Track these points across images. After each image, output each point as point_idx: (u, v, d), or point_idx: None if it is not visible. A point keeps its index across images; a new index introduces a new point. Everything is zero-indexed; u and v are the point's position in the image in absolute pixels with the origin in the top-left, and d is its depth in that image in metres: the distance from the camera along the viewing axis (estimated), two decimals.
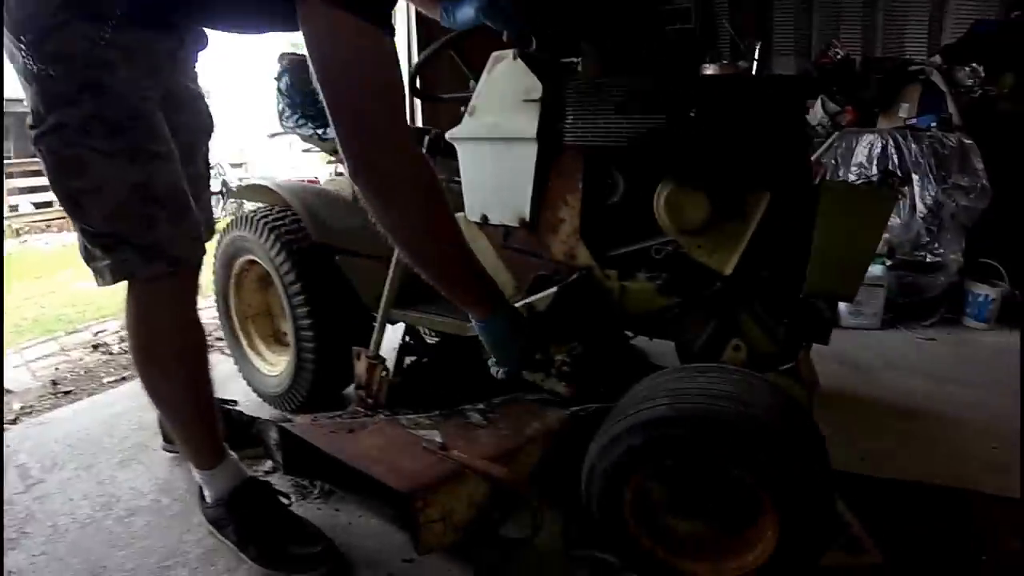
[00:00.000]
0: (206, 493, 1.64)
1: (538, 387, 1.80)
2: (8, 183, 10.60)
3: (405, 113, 1.24)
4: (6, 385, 2.98)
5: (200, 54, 1.47)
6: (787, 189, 1.56)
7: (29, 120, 1.16)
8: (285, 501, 1.69)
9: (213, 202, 1.74)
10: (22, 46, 1.09)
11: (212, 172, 1.69)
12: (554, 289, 1.55)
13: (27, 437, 2.40)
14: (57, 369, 3.20)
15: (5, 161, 10.44)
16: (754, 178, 1.54)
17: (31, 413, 2.66)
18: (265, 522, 1.55)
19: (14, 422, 2.58)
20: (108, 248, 1.26)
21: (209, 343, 2.97)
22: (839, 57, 5.14)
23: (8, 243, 8.90)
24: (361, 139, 1.16)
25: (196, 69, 1.47)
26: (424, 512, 1.33)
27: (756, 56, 3.25)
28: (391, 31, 1.13)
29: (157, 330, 1.39)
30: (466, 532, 1.42)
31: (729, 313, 1.63)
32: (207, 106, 1.52)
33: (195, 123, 1.49)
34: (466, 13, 1.60)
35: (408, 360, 2.06)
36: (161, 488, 1.96)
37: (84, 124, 1.13)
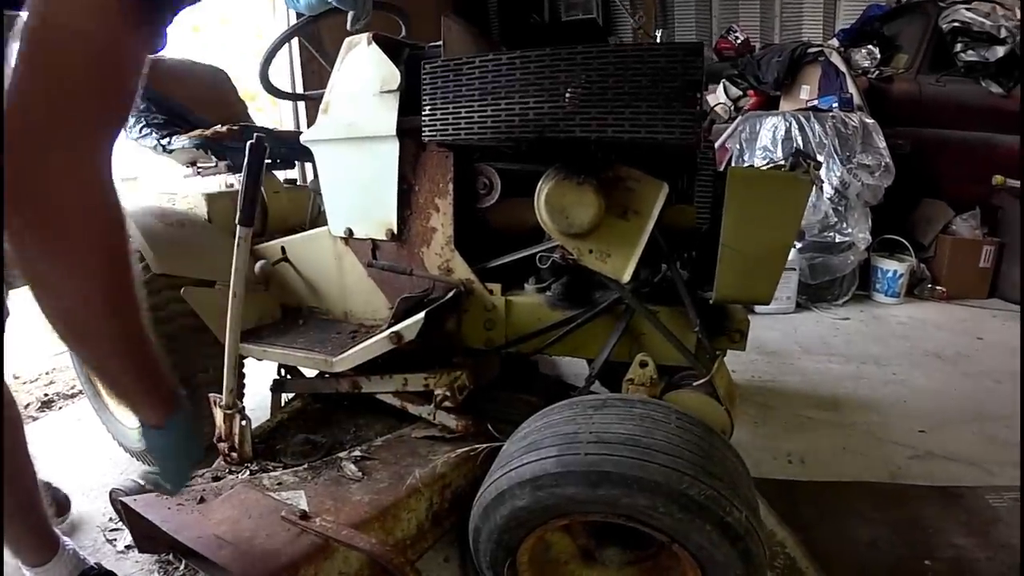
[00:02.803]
0: None
1: (427, 421, 1.49)
2: None
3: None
4: None
5: None
6: (687, 178, 1.29)
7: None
8: None
9: None
10: None
11: None
12: (421, 315, 1.23)
13: None
14: None
15: None
16: (648, 166, 1.25)
17: None
18: None
19: None
20: None
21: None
22: (739, 42, 5.02)
23: None
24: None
25: None
26: None
27: (639, 27, 2.99)
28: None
29: None
30: None
31: (632, 325, 1.35)
32: None
33: None
34: None
35: (285, 399, 1.70)
36: None
37: None
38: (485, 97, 1.19)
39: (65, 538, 1.39)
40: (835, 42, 4.27)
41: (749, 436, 1.98)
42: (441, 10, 5.19)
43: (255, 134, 1.21)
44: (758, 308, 3.14)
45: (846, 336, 3.00)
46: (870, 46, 4.01)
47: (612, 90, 1.13)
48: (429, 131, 1.27)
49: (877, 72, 3.92)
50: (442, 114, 1.24)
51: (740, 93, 4.38)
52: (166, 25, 0.85)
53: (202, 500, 1.30)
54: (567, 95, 1.14)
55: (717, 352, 1.35)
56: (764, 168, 1.36)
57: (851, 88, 3.74)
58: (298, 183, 2.12)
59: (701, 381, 1.30)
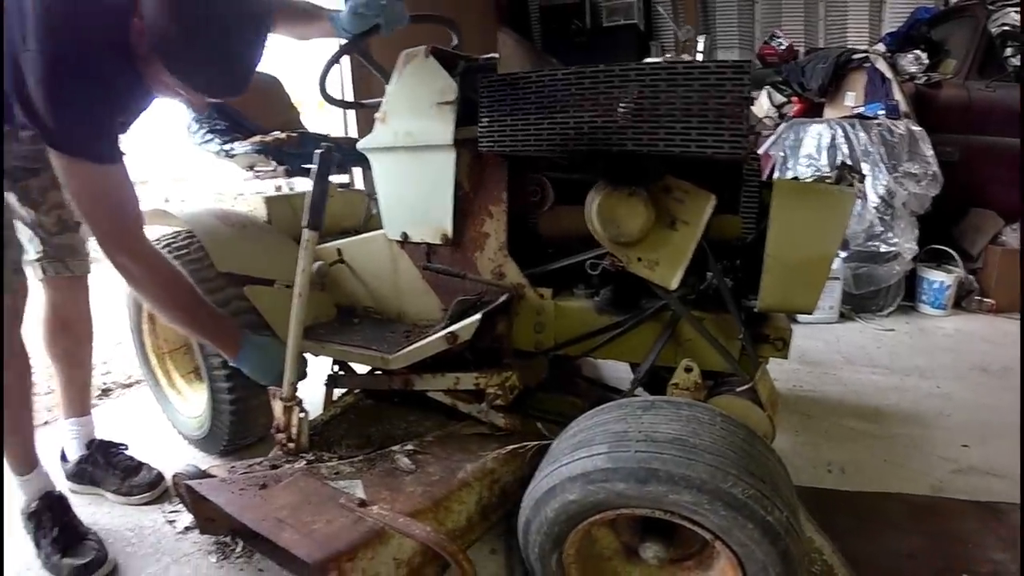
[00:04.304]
0: (20, 500, 1.69)
1: (476, 419, 1.57)
2: None
3: (135, 221, 1.43)
4: None
5: None
6: (736, 190, 1.35)
7: None
8: (212, 560, 1.62)
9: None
10: None
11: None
12: (477, 317, 1.31)
13: None
14: None
15: None
16: (696, 178, 1.32)
17: None
18: (50, 533, 1.63)
19: None
20: None
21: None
22: (783, 48, 5.01)
23: None
24: (105, 247, 1.39)
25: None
26: None
27: (701, 49, 3.04)
28: (114, 158, 1.33)
29: None
30: None
31: (678, 331, 1.41)
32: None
33: (52, 174, 1.51)
34: (344, 12, 1.56)
35: (338, 393, 1.81)
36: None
37: None
38: (541, 110, 1.27)
39: (41, 464, 1.71)
40: (881, 47, 4.23)
41: (789, 444, 2.02)
42: (484, 17, 5.31)
43: (324, 144, 1.31)
44: (801, 317, 3.15)
45: (890, 348, 2.99)
46: (917, 51, 3.96)
47: (664, 105, 1.20)
48: (486, 142, 1.36)
49: (924, 78, 3.88)
50: (499, 126, 1.33)
51: (784, 100, 4.39)
52: None
53: (264, 486, 1.39)
54: (620, 109, 1.22)
55: (760, 359, 1.41)
56: (809, 180, 1.41)
57: (897, 95, 3.72)
58: (350, 187, 2.23)
59: (744, 387, 1.36)
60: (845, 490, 1.80)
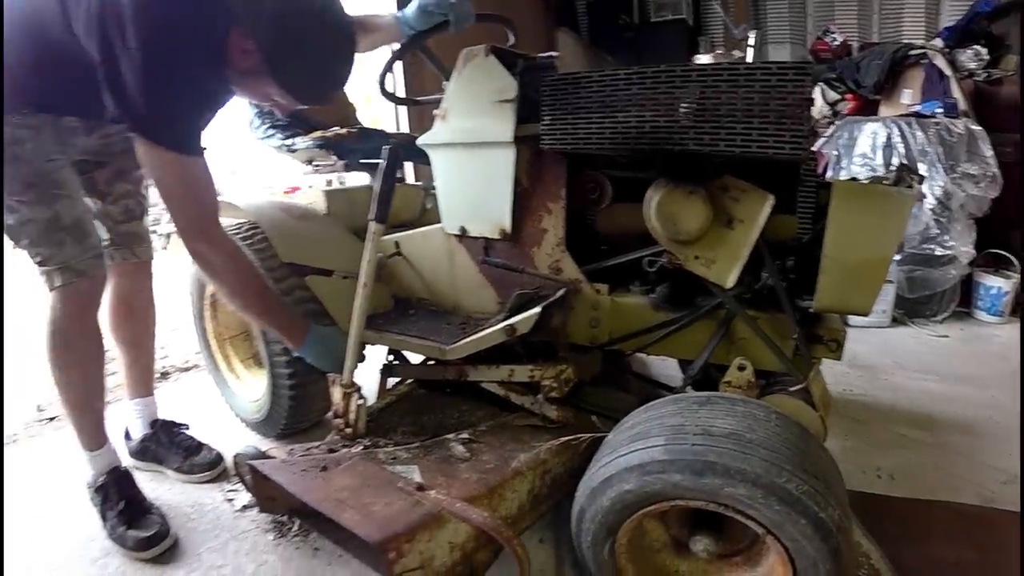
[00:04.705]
0: (87, 474, 1.80)
1: (528, 410, 1.62)
2: None
3: (214, 211, 1.54)
4: None
5: None
6: (792, 190, 1.37)
7: None
8: (269, 538, 1.72)
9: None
10: None
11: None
12: (537, 310, 1.36)
13: (9, 469, 2.25)
14: (42, 392, 3.04)
15: None
16: (754, 178, 1.35)
17: (16, 441, 2.51)
18: (117, 506, 1.74)
19: None
20: (39, 265, 1.59)
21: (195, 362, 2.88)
22: (836, 43, 4.94)
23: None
24: (186, 235, 1.50)
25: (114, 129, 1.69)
26: (399, 562, 1.17)
27: (752, 45, 3.03)
28: (199, 151, 1.45)
29: (66, 328, 1.62)
30: None
31: (732, 329, 1.44)
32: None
33: (119, 166, 1.78)
34: (412, 9, 1.68)
35: (392, 382, 1.88)
36: None
37: (8, 184, 1.51)
38: (603, 109, 1.31)
39: (110, 441, 1.82)
40: (938, 42, 4.14)
41: (838, 448, 2.02)
42: (532, 11, 5.34)
43: (392, 141, 1.37)
44: (852, 321, 3.12)
45: (943, 354, 2.96)
46: (976, 46, 3.87)
47: (725, 106, 1.23)
48: (548, 139, 1.40)
49: (984, 75, 3.79)
50: (561, 124, 1.37)
51: (838, 97, 4.33)
52: None
53: (324, 468, 1.47)
54: (682, 110, 1.25)
55: (813, 360, 1.43)
56: (867, 182, 1.43)
57: (956, 92, 3.64)
58: (404, 182, 2.30)
59: (797, 387, 1.39)
60: (894, 496, 1.80)
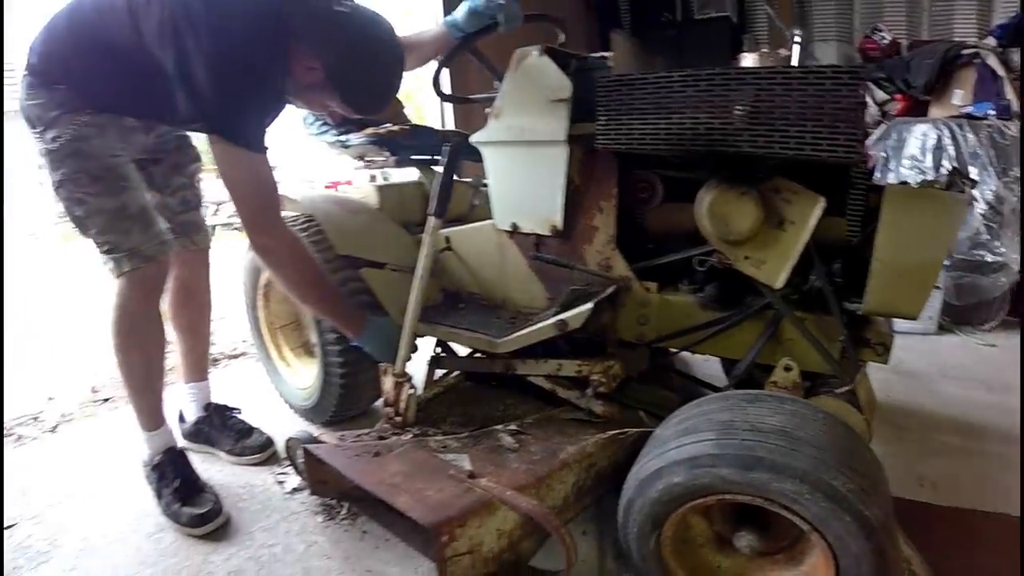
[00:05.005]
0: (144, 454, 1.91)
1: (574, 404, 1.68)
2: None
3: (276, 205, 1.66)
4: (49, 390, 2.98)
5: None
6: (842, 192, 1.40)
7: (49, 180, 1.68)
8: (318, 520, 1.80)
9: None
10: (36, 133, 1.65)
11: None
12: (589, 305, 1.41)
13: (65, 447, 2.38)
14: (96, 374, 3.18)
15: None
16: (806, 181, 1.38)
17: (71, 420, 2.64)
18: (172, 484, 1.84)
19: (54, 429, 2.56)
20: (107, 253, 1.69)
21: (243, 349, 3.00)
22: (886, 42, 4.86)
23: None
24: (251, 227, 1.61)
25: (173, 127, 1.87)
26: (450, 546, 1.23)
27: (799, 42, 3.02)
28: (264, 149, 1.57)
29: (132, 312, 1.72)
30: (496, 564, 1.31)
31: (779, 330, 1.47)
32: (191, 148, 1.98)
33: (174, 161, 1.93)
34: (462, 12, 1.77)
35: (439, 373, 1.95)
36: None
37: (74, 177, 1.63)
38: (659, 111, 1.35)
39: (167, 422, 1.92)
40: (991, 40, 4.06)
41: (881, 455, 1.95)
42: (574, 8, 5.35)
43: (453, 138, 1.44)
44: (897, 327, 3.09)
45: (991, 364, 2.92)
46: None
47: (779, 109, 1.26)
48: (603, 139, 1.45)
49: None
50: (616, 124, 1.42)
51: (886, 97, 4.28)
52: None
53: (377, 454, 1.54)
54: (737, 112, 1.28)
55: (859, 363, 1.46)
56: (919, 186, 1.44)
57: (1009, 93, 3.57)
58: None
59: (844, 389, 1.42)
60: (937, 504, 1.80)
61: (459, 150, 1.46)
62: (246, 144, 1.52)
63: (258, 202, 1.59)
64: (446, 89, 2.01)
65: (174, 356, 2.11)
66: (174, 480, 1.83)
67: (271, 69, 1.53)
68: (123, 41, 1.54)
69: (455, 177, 1.62)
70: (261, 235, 1.61)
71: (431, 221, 1.51)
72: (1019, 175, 3.24)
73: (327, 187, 2.46)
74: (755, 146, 1.28)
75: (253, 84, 1.50)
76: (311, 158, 2.47)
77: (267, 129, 1.60)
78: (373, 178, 2.21)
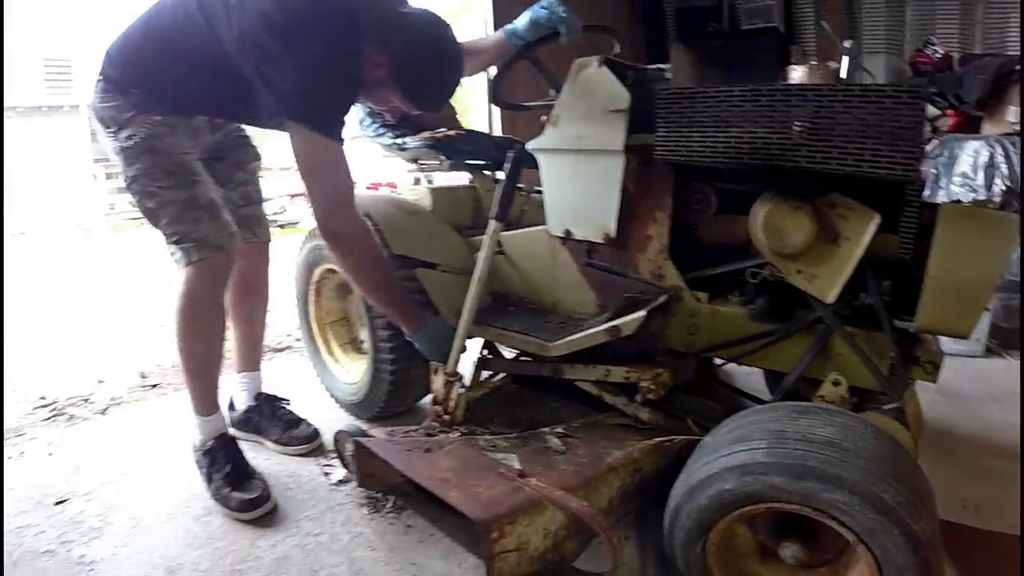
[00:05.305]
0: (195, 438, 1.98)
1: (620, 410, 1.72)
2: (108, 184, 13.45)
3: (351, 193, 1.71)
4: (98, 374, 3.10)
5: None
6: (895, 209, 1.42)
7: (122, 176, 1.83)
8: (364, 512, 1.86)
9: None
10: (110, 132, 1.77)
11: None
12: (642, 313, 1.46)
13: (116, 428, 2.49)
14: (145, 361, 3.31)
15: (106, 163, 13.07)
16: (865, 198, 1.40)
17: (121, 404, 2.75)
18: (223, 469, 1.91)
19: (104, 412, 2.67)
20: (177, 243, 1.78)
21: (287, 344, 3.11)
22: (938, 55, 4.81)
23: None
24: (323, 214, 1.67)
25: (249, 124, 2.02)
26: (499, 542, 1.26)
27: (854, 55, 3.01)
28: (342, 140, 1.64)
29: (197, 300, 1.82)
30: (540, 563, 1.35)
31: (828, 344, 1.50)
32: (251, 147, 2.11)
33: (235, 159, 2.06)
34: (523, 21, 1.84)
35: (485, 374, 2.01)
36: None
37: (148, 172, 1.76)
38: (718, 124, 1.39)
39: (220, 408, 2.00)
40: None
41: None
42: (619, 18, 5.38)
43: (517, 144, 1.50)
44: (943, 347, 3.08)
45: None
46: None
47: (839, 125, 1.29)
48: (661, 150, 1.49)
49: None
50: (675, 136, 1.46)
51: (938, 112, 4.23)
52: None
53: (428, 450, 1.59)
54: (795, 127, 1.32)
55: (909, 380, 1.48)
56: (974, 205, 1.47)
57: None
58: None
59: (892, 406, 1.44)
60: (981, 528, 1.80)
61: (522, 157, 1.53)
62: (328, 132, 1.60)
63: (335, 188, 1.66)
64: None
65: (229, 345, 2.20)
66: (225, 465, 1.90)
67: (349, 64, 1.61)
68: (200, 48, 1.67)
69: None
70: (333, 219, 1.67)
71: (492, 224, 1.57)
72: None
73: (368, 188, 2.54)
74: (813, 162, 1.32)
75: (334, 78, 1.59)
76: (353, 159, 2.54)
77: (344, 121, 1.68)
78: (417, 181, 2.28)
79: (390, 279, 1.81)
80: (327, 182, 1.66)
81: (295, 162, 1.64)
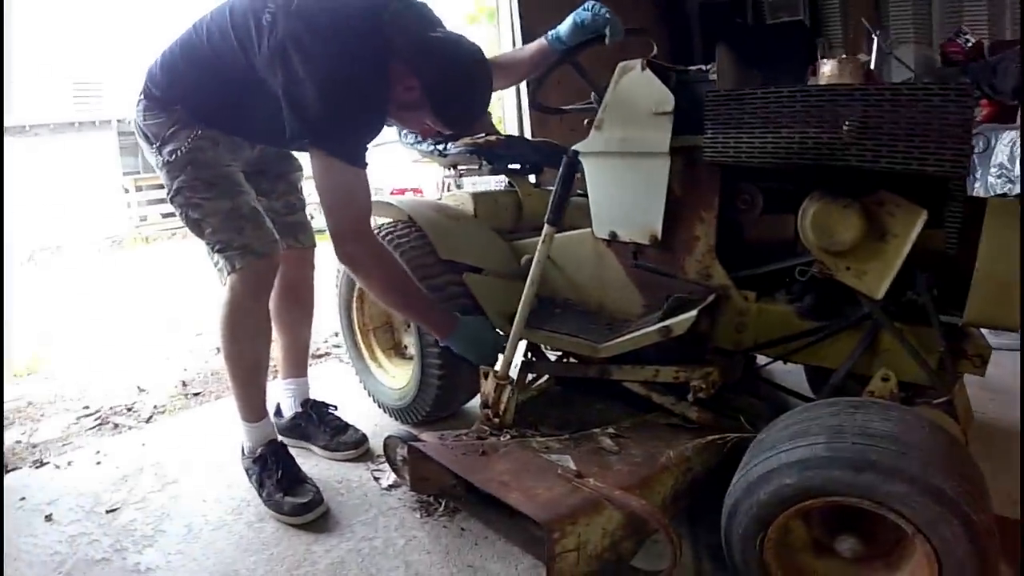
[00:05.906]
0: (245, 445, 2.04)
1: (668, 409, 1.76)
2: (138, 196, 14.34)
3: (367, 218, 1.82)
4: (140, 383, 3.20)
5: None
6: (939, 204, 1.46)
7: (165, 188, 1.89)
8: (416, 516, 1.88)
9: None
10: (153, 148, 1.85)
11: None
12: (693, 312, 1.51)
13: (162, 436, 2.57)
14: (186, 370, 3.40)
15: (136, 176, 14.62)
16: (911, 194, 1.45)
17: (164, 412, 2.84)
18: (275, 475, 1.94)
19: (149, 420, 2.76)
20: (220, 251, 1.84)
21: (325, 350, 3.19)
22: (969, 44, 4.79)
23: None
24: (339, 235, 1.73)
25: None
26: (560, 542, 1.31)
27: (887, 47, 3.03)
28: (364, 165, 1.71)
29: (242, 307, 1.87)
30: (599, 563, 1.40)
31: (876, 340, 1.54)
32: (292, 158, 2.16)
33: (277, 171, 2.12)
34: (565, 26, 1.88)
35: (530, 377, 2.06)
36: None
37: (191, 184, 1.82)
38: (767, 125, 1.44)
39: (269, 415, 2.06)
40: None
41: None
42: (642, 14, 5.41)
43: (572, 150, 1.56)
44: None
45: None
46: None
47: (888, 124, 1.34)
48: (710, 152, 1.54)
49: None
50: (723, 137, 1.51)
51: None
52: None
53: (484, 453, 1.64)
54: (845, 127, 1.37)
55: (957, 374, 1.52)
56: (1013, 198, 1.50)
57: None
58: (543, 187, 2.49)
59: (941, 399, 1.48)
60: None
61: (576, 162, 1.58)
62: (345, 158, 1.66)
63: (348, 214, 1.73)
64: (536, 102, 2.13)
65: (274, 352, 2.25)
66: (277, 470, 1.95)
67: (375, 88, 1.67)
68: (232, 67, 1.74)
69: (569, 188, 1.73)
70: (349, 243, 1.75)
71: (547, 229, 1.63)
72: None
73: (392, 193, 2.60)
74: (862, 160, 1.36)
75: (358, 103, 1.65)
76: (377, 166, 2.62)
77: (368, 145, 1.74)
78: (447, 187, 2.34)
79: (410, 292, 1.87)
80: (343, 208, 1.72)
81: (314, 184, 1.72)
